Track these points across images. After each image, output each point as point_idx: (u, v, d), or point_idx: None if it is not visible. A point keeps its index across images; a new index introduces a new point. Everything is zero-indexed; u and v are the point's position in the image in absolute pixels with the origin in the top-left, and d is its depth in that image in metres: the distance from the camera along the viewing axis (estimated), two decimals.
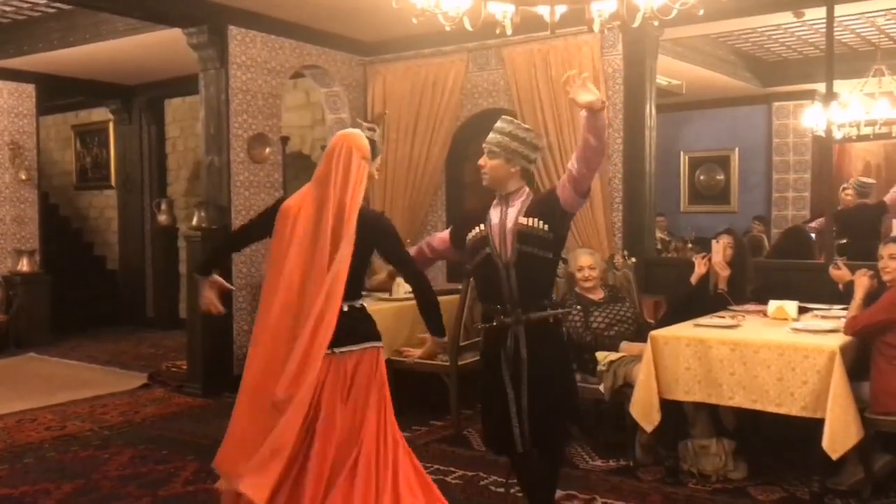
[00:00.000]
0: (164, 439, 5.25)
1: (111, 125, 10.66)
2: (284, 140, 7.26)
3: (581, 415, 4.09)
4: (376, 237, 3.21)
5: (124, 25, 7.10)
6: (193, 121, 9.43)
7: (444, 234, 3.63)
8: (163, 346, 8.66)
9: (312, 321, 2.94)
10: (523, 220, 3.25)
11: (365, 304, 3.25)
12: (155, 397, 6.46)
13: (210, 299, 3.46)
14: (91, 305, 10.13)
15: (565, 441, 3.78)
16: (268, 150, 6.85)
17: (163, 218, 9.79)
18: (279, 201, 3.29)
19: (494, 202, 3.41)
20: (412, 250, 3.57)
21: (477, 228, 3.35)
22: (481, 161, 3.40)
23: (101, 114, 10.78)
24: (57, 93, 9.80)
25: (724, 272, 5.09)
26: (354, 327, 3.12)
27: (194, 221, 6.67)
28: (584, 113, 3.17)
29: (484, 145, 3.39)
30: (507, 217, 3.30)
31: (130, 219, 10.40)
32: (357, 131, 3.22)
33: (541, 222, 3.23)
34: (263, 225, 3.31)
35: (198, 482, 4.41)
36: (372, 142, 3.21)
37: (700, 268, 5.10)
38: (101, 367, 7.77)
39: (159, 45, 7.53)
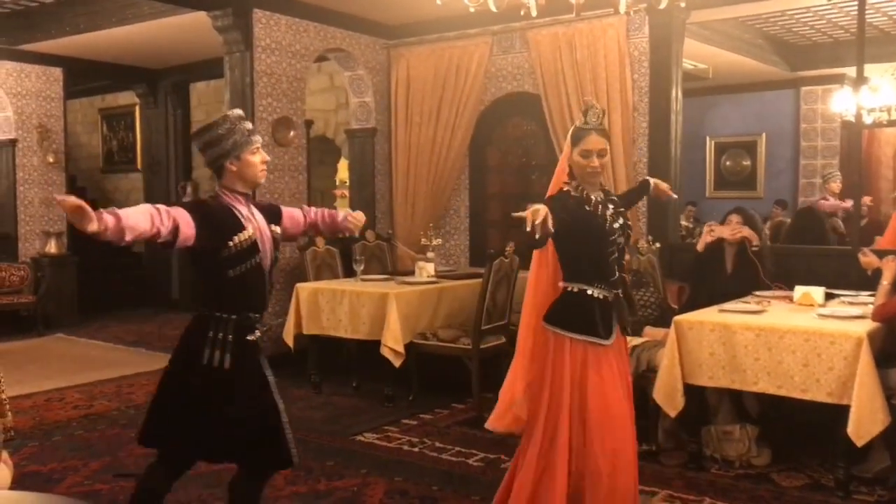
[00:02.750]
0: None
1: (137, 109, 10.76)
2: (308, 123, 7.29)
3: None
4: None
5: (150, 9, 7.14)
6: (219, 104, 9.47)
7: (189, 227, 2.76)
8: None
9: None
10: (275, 228, 3.07)
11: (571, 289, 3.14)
12: None
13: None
14: (117, 287, 10.26)
15: None
16: (292, 133, 6.88)
17: (188, 200, 9.87)
18: None
19: (236, 201, 2.95)
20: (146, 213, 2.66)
21: (245, 232, 2.89)
22: (266, 157, 3.02)
23: (127, 97, 10.88)
24: (84, 76, 9.90)
25: (737, 235, 5.08)
26: None
27: None
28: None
29: (261, 143, 3.01)
30: (259, 221, 3.00)
31: (156, 201, 10.32)
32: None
33: (278, 229, 3.09)
34: None
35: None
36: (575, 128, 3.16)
37: (706, 235, 5.14)
38: (128, 347, 7.87)
39: (185, 29, 7.57)
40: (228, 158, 2.90)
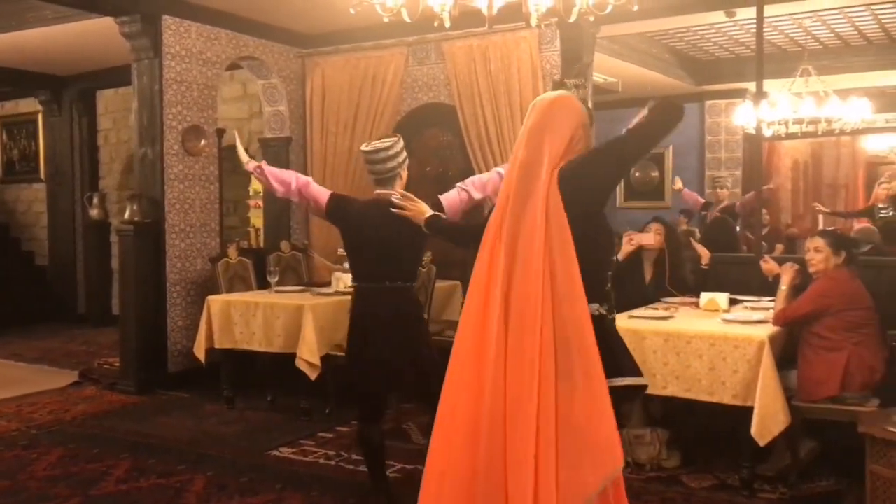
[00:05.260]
0: (95, 438, 5.12)
1: (40, 116, 10.34)
2: (220, 132, 7.14)
3: None
4: None
5: (53, 13, 6.88)
6: (127, 112, 9.21)
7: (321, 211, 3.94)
8: (95, 343, 8.43)
9: None
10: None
11: None
12: (86, 395, 6.30)
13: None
14: (19, 302, 9.78)
15: None
16: (203, 142, 6.73)
17: (95, 212, 9.53)
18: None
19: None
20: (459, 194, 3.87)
21: None
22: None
23: (29, 105, 10.45)
24: None
25: (654, 244, 5.27)
26: None
27: (127, 215, 6.52)
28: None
29: None
30: None
31: (60, 213, 10.10)
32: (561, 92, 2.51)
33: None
34: None
35: (130, 480, 4.32)
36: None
37: (626, 245, 5.28)
38: (29, 364, 7.53)
39: (90, 34, 7.33)
40: (403, 167, 3.84)
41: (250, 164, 4.06)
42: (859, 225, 7.84)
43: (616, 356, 2.33)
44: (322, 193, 3.89)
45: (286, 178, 3.96)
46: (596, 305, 2.33)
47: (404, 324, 3.75)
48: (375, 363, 3.71)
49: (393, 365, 3.72)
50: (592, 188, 2.38)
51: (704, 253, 5.46)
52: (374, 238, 3.72)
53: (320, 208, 3.88)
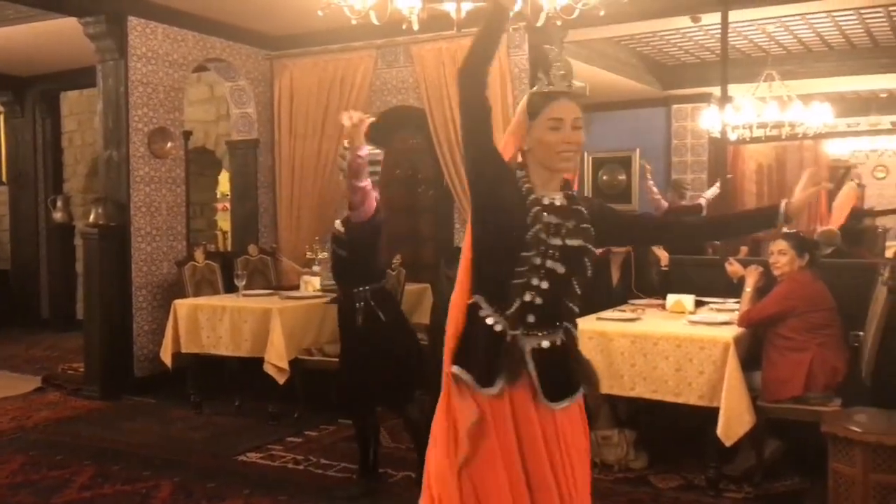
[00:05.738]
0: (58, 444, 5.04)
1: (1, 118, 10.17)
2: (187, 135, 7.07)
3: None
4: None
5: (15, 13, 6.77)
6: (91, 114, 9.08)
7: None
8: (59, 348, 8.30)
9: None
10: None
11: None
12: (49, 401, 6.19)
13: None
14: None
15: None
16: (169, 144, 6.67)
17: (59, 215, 9.39)
18: None
19: None
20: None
21: None
22: None
23: None
24: None
25: (622, 248, 5.32)
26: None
27: (91, 218, 6.43)
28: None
29: None
30: None
31: (23, 216, 9.93)
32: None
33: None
34: None
35: (94, 487, 4.26)
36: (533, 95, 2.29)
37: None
38: None
39: (54, 35, 7.22)
40: None
41: (363, 149, 3.66)
42: (821, 228, 7.97)
43: (464, 346, 2.25)
44: (374, 199, 3.90)
45: (367, 172, 3.81)
46: (478, 297, 2.25)
47: (402, 314, 4.33)
48: (388, 353, 4.02)
49: (400, 353, 4.08)
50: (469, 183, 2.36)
51: (663, 255, 5.52)
52: (382, 240, 4.10)
53: (368, 212, 3.87)
